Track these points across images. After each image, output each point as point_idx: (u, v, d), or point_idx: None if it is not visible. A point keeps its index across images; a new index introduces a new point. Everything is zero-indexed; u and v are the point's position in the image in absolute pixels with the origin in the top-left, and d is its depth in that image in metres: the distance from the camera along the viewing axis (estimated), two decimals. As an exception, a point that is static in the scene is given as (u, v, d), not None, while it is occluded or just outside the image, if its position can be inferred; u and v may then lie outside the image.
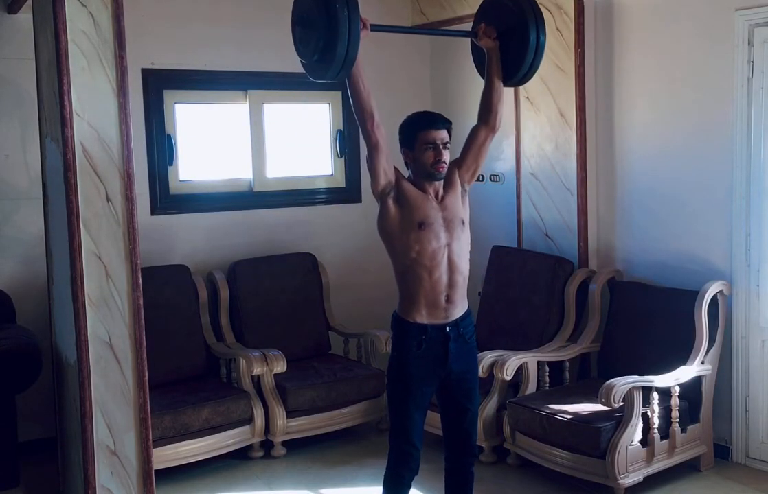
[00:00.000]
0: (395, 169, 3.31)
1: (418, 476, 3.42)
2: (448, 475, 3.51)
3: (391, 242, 3.31)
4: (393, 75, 6.20)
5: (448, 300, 3.30)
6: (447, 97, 6.23)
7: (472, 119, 6.16)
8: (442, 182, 3.37)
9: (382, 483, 3.42)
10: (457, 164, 3.43)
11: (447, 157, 3.31)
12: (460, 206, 3.37)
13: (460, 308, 3.34)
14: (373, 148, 3.22)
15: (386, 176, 3.26)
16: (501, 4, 3.53)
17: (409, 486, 3.40)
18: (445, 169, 3.31)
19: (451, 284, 3.29)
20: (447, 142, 3.32)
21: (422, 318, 3.29)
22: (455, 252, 3.30)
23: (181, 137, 5.57)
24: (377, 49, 6.14)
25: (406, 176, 3.37)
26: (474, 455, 3.49)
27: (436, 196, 3.34)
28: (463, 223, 3.36)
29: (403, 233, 3.26)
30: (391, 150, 3.29)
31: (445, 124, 3.35)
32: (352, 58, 3.08)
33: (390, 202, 3.27)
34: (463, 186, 3.41)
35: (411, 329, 3.30)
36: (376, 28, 3.29)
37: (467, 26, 5.85)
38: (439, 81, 6.32)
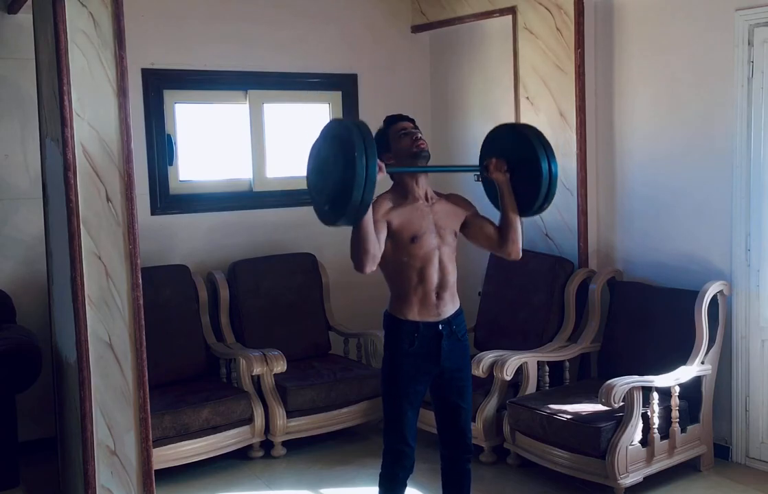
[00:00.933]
0: (383, 216, 3.25)
1: (414, 474, 3.43)
2: (445, 473, 3.52)
3: (382, 256, 3.29)
4: (393, 75, 6.21)
5: (439, 297, 3.31)
6: (447, 97, 6.22)
7: (473, 119, 6.16)
8: (431, 188, 3.38)
9: (377, 483, 3.42)
10: (470, 211, 3.47)
11: (422, 136, 3.38)
12: (453, 222, 3.40)
13: (451, 306, 3.35)
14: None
15: (383, 245, 3.23)
16: (505, 137, 3.52)
17: (405, 485, 3.41)
18: (426, 145, 3.37)
19: (442, 282, 3.31)
20: (416, 127, 3.41)
21: (414, 315, 3.30)
22: (446, 254, 3.33)
23: (181, 137, 5.57)
24: (377, 49, 6.15)
25: (390, 189, 3.36)
26: (470, 452, 3.49)
27: (427, 198, 3.36)
28: (455, 234, 3.40)
29: (395, 250, 3.29)
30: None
31: (408, 118, 3.45)
32: (367, 204, 3.02)
33: (389, 243, 3.28)
34: (457, 229, 3.43)
35: (403, 327, 3.31)
36: (391, 169, 3.28)
37: (467, 26, 5.91)
38: (439, 81, 6.32)
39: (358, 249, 3.12)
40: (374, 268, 3.16)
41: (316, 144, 3.17)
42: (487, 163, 3.42)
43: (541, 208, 3.45)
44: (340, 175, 2.99)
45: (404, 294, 3.31)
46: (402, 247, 3.28)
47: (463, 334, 3.42)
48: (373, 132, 3.39)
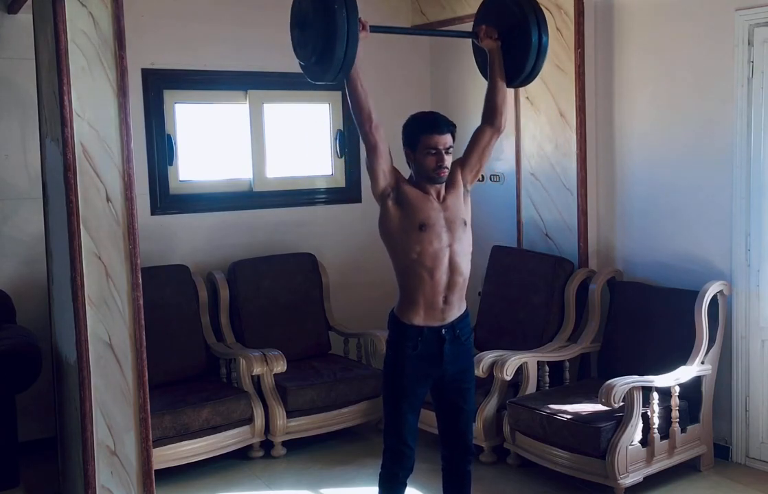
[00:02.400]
0: (395, 170, 3.30)
1: (415, 475, 3.43)
2: (446, 474, 3.51)
3: (391, 243, 3.30)
4: (393, 75, 6.20)
5: (446, 301, 3.29)
6: (447, 97, 6.23)
7: (473, 119, 6.13)
8: (443, 188, 3.37)
9: (377, 483, 3.42)
10: (460, 164, 3.41)
11: (449, 161, 3.29)
12: (462, 206, 3.36)
13: (457, 310, 3.33)
14: (371, 150, 3.22)
15: (386, 178, 3.25)
16: (502, 4, 3.52)
17: (405, 485, 3.41)
18: (446, 174, 3.29)
19: (451, 285, 3.29)
20: (450, 147, 3.29)
21: (419, 319, 3.29)
22: (457, 253, 3.29)
23: (181, 137, 5.57)
24: (377, 49, 6.14)
25: (408, 177, 3.36)
26: (471, 454, 3.49)
27: (438, 196, 3.33)
28: (465, 223, 3.34)
29: (403, 234, 3.26)
30: (393, 149, 3.29)
31: (450, 127, 3.31)
32: (351, 59, 3.05)
33: (390, 203, 3.27)
34: (465, 186, 3.40)
35: (407, 330, 3.30)
36: (375, 29, 3.27)
37: (467, 26, 5.86)
38: (439, 81, 6.32)
39: (353, 104, 3.17)
40: (377, 127, 3.17)
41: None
42: (478, 29, 3.44)
43: (528, 79, 3.50)
44: (321, 30, 3.01)
45: (412, 297, 3.29)
46: (411, 236, 3.23)
47: (467, 337, 3.41)
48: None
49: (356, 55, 3.07)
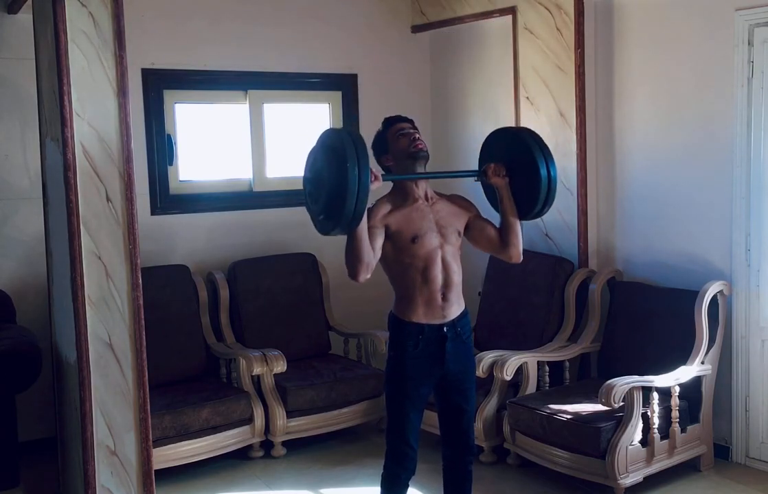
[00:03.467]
0: (380, 220, 3.26)
1: (416, 475, 3.42)
2: (447, 474, 3.52)
3: (384, 258, 3.31)
4: (393, 75, 6.20)
5: (444, 298, 3.31)
6: (447, 97, 6.22)
7: (473, 119, 6.16)
8: (431, 188, 3.39)
9: (379, 483, 3.42)
10: (472, 213, 3.46)
11: (420, 136, 3.37)
12: (458, 222, 3.40)
13: (456, 307, 3.35)
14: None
15: (380, 251, 3.24)
16: (503, 140, 3.53)
17: (407, 486, 3.40)
18: (423, 145, 3.36)
19: (447, 283, 3.30)
20: (415, 128, 3.39)
21: (419, 317, 3.29)
22: (448, 253, 3.32)
23: (181, 137, 5.57)
24: (377, 49, 6.15)
25: (388, 196, 3.36)
26: (472, 454, 3.49)
27: (426, 198, 3.36)
28: (459, 233, 3.39)
29: (396, 251, 3.29)
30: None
31: (407, 119, 3.43)
32: (360, 212, 3.02)
33: (386, 243, 3.28)
34: (463, 226, 3.43)
35: (408, 329, 3.30)
36: (387, 177, 3.28)
37: (467, 26, 5.90)
38: (439, 81, 6.32)
39: (352, 257, 3.12)
40: (368, 277, 3.15)
41: (312, 154, 3.18)
42: (485, 167, 3.43)
43: (541, 212, 3.46)
44: (333, 185, 3.01)
45: (409, 296, 3.31)
46: (403, 249, 3.27)
47: (468, 336, 3.42)
48: (373, 134, 3.41)
49: (365, 208, 3.05)
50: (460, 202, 3.48)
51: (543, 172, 3.35)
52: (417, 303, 3.29)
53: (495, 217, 3.50)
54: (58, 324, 4.00)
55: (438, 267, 3.29)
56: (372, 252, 3.16)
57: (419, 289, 3.28)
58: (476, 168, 3.55)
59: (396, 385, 3.35)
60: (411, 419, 3.33)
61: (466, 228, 3.44)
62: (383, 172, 3.26)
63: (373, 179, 3.06)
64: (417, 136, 3.37)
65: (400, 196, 3.34)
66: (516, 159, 3.41)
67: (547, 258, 5.22)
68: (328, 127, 3.10)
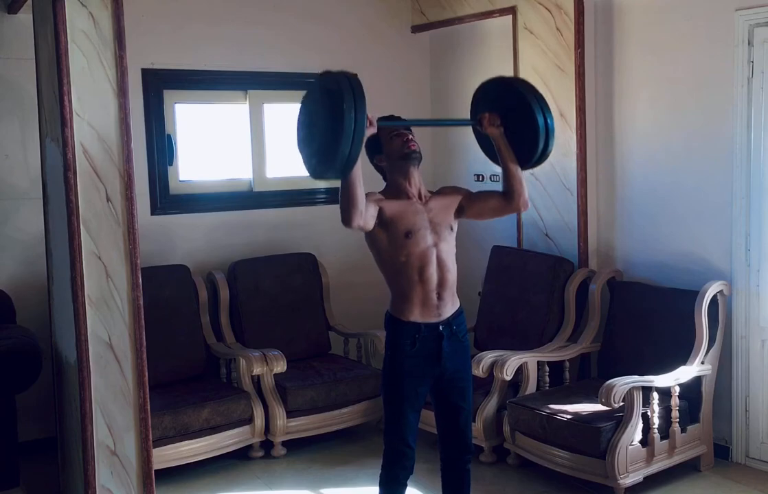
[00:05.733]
0: (375, 202, 3.26)
1: (415, 475, 3.43)
2: (445, 473, 3.52)
3: (378, 253, 3.33)
4: (393, 75, 6.20)
5: (440, 297, 3.31)
6: (447, 97, 6.22)
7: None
8: (424, 187, 3.39)
9: (378, 483, 3.43)
10: (462, 195, 3.45)
11: (413, 137, 3.37)
12: (451, 217, 3.40)
13: (451, 306, 3.35)
14: (360, 228, 3.19)
15: (373, 220, 3.24)
16: (495, 91, 3.49)
17: (405, 486, 3.41)
18: (416, 146, 3.36)
19: (442, 282, 3.31)
20: (408, 129, 3.39)
21: (415, 317, 3.30)
22: (443, 251, 3.32)
23: (181, 137, 5.56)
24: (377, 49, 6.15)
25: (384, 189, 3.37)
26: (470, 452, 3.49)
27: (420, 197, 3.37)
28: (451, 229, 3.39)
29: (390, 245, 3.29)
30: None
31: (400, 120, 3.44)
32: (355, 156, 3.00)
33: (377, 229, 3.28)
34: (456, 213, 3.42)
35: (404, 328, 3.31)
36: (383, 122, 3.28)
37: (467, 26, 5.90)
38: (439, 81, 6.32)
39: (346, 201, 3.08)
40: (361, 223, 3.13)
41: (307, 96, 3.16)
42: (480, 117, 3.40)
43: (539, 161, 3.44)
44: (328, 127, 2.98)
45: (405, 296, 3.31)
46: (397, 244, 3.27)
47: (464, 335, 3.43)
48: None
49: (360, 152, 3.03)
50: (448, 191, 3.49)
51: (540, 121, 3.33)
52: (413, 303, 3.30)
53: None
54: (58, 324, 4.00)
55: (433, 267, 3.29)
56: (365, 200, 3.12)
57: (415, 289, 3.29)
58: (469, 119, 3.53)
59: (393, 385, 3.35)
60: (409, 419, 3.34)
61: (462, 209, 3.42)
62: (378, 118, 3.23)
63: (368, 124, 3.04)
64: (410, 136, 3.38)
65: (394, 193, 3.36)
66: (510, 108, 3.38)
67: (547, 258, 5.22)
68: (323, 71, 3.07)
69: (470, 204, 3.45)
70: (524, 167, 3.43)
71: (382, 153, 3.39)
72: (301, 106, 3.17)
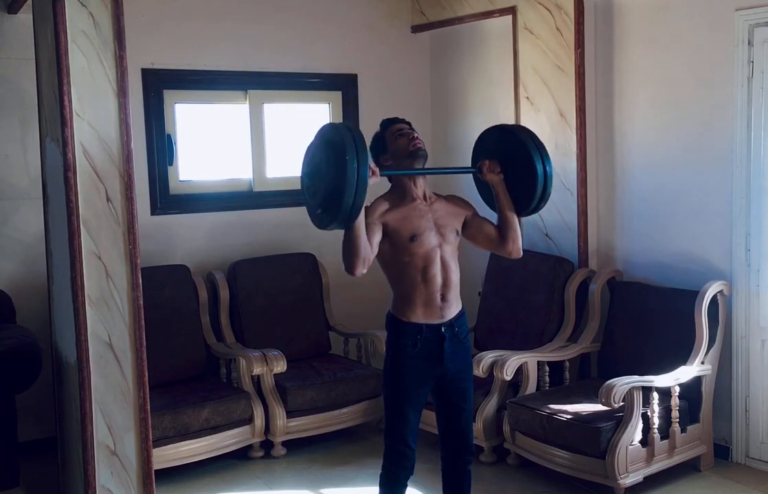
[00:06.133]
0: (378, 219, 3.26)
1: (415, 475, 3.43)
2: (446, 474, 3.52)
3: (381, 256, 3.31)
4: (393, 75, 6.20)
5: (444, 298, 3.31)
6: (447, 97, 6.22)
7: (473, 119, 6.16)
8: (429, 188, 3.40)
9: (378, 484, 3.42)
10: (469, 211, 3.46)
11: (419, 136, 3.39)
12: (456, 222, 3.40)
13: (455, 307, 3.35)
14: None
15: (377, 246, 3.25)
16: (496, 138, 3.52)
17: (405, 486, 3.41)
18: (422, 144, 3.38)
19: (446, 283, 3.31)
20: (413, 129, 3.41)
21: (417, 317, 3.30)
22: (447, 252, 3.33)
23: (181, 137, 5.57)
24: (377, 49, 6.15)
25: (386, 195, 3.37)
26: (471, 453, 3.49)
27: (425, 198, 3.37)
28: (456, 233, 3.40)
29: (394, 249, 3.29)
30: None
31: (404, 120, 3.45)
32: (358, 207, 3.03)
33: (381, 240, 3.28)
34: (461, 225, 3.43)
35: (406, 329, 3.31)
36: (385, 173, 3.30)
37: (467, 26, 5.90)
38: (439, 81, 6.32)
39: (349, 251, 3.12)
40: (364, 271, 3.15)
41: (310, 147, 3.19)
42: (480, 164, 3.43)
43: (537, 208, 3.46)
44: (332, 179, 3.01)
45: (408, 296, 3.31)
46: (402, 248, 3.27)
47: (465, 336, 3.42)
48: (371, 135, 3.41)
49: (363, 202, 3.05)
50: (457, 201, 3.49)
51: (539, 167, 3.35)
52: (416, 304, 3.30)
53: (491, 215, 3.50)
54: (58, 324, 4.00)
55: (437, 267, 3.29)
56: (369, 247, 3.16)
57: (418, 289, 3.29)
58: (470, 167, 3.56)
59: (394, 386, 3.35)
60: (409, 419, 3.33)
61: (464, 226, 3.45)
62: (383, 165, 3.29)
63: (371, 174, 3.06)
64: (415, 135, 3.39)
65: (399, 196, 3.35)
66: (510, 155, 3.41)
67: (547, 258, 5.22)
68: (327, 122, 3.08)
69: (471, 223, 3.46)
70: (522, 213, 3.46)
71: (388, 153, 3.38)
72: (305, 156, 3.19)
